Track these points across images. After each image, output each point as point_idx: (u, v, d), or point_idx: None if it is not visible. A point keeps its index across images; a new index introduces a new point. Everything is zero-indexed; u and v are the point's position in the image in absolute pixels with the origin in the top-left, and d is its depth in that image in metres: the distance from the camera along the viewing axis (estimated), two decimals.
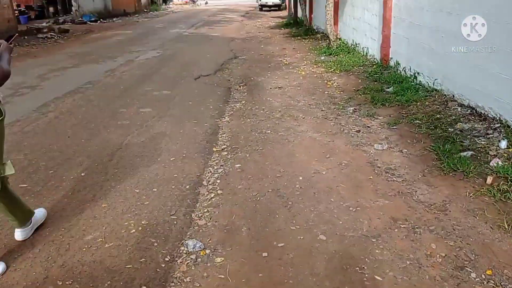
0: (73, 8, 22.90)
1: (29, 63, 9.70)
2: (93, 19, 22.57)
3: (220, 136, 4.69)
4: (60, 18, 22.91)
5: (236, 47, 12.00)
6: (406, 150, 4.06)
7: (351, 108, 5.51)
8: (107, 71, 8.51)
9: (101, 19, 23.23)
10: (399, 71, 6.97)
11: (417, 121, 4.80)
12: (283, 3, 32.23)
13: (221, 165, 3.88)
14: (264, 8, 31.91)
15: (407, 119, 4.91)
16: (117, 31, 17.47)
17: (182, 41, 13.68)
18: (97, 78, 7.70)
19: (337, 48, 9.78)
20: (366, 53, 8.79)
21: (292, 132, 4.68)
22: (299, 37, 13.34)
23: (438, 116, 4.83)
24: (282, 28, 16.86)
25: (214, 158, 4.07)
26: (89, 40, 14.60)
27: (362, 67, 7.96)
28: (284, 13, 27.58)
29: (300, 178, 3.55)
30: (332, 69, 7.99)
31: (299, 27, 16.01)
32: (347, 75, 7.48)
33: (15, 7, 21.53)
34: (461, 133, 4.28)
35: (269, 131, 4.72)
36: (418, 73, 6.31)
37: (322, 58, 9.30)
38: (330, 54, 9.56)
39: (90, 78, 7.80)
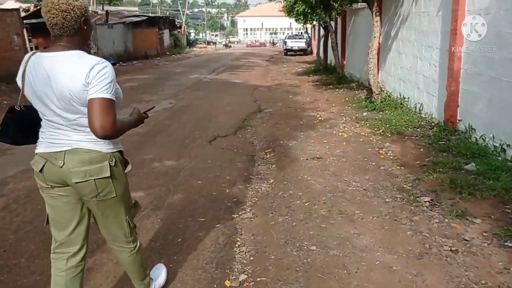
0: (91, 50, 22.24)
1: None
2: (112, 62, 21.80)
3: (237, 251, 3.05)
4: None
5: (261, 96, 10.57)
6: None
7: (426, 199, 3.82)
8: None
9: (120, 62, 22.52)
10: (473, 138, 5.30)
11: None
12: (308, 47, 31.49)
13: None
14: (289, 53, 31.28)
15: None
16: (133, 76, 16.45)
17: (200, 89, 12.37)
18: None
19: (381, 102, 8.18)
20: (420, 111, 7.17)
21: (350, 250, 2.98)
22: (331, 86, 11.87)
23: None
24: (311, 75, 15.48)
25: None
26: None
27: (418, 129, 6.31)
28: (310, 57, 26.59)
29: None
30: (381, 130, 6.36)
31: (329, 74, 14.63)
32: (402, 140, 5.84)
33: (34, 49, 21.07)
34: None
35: (313, 247, 3.04)
36: (508, 146, 4.62)
37: (365, 114, 7.70)
38: (374, 109, 7.96)
39: None
